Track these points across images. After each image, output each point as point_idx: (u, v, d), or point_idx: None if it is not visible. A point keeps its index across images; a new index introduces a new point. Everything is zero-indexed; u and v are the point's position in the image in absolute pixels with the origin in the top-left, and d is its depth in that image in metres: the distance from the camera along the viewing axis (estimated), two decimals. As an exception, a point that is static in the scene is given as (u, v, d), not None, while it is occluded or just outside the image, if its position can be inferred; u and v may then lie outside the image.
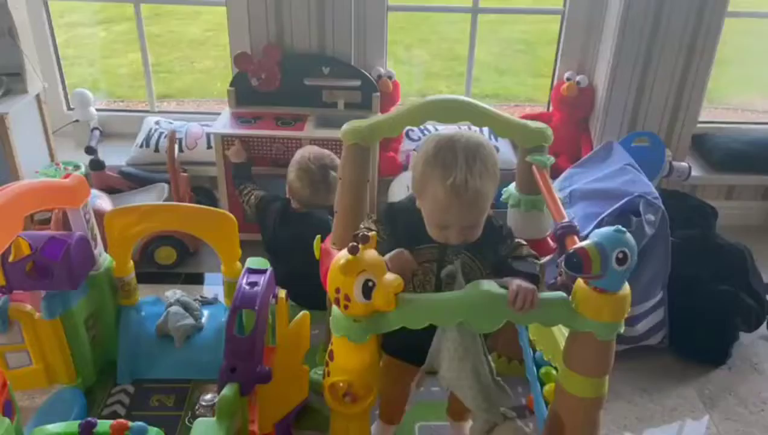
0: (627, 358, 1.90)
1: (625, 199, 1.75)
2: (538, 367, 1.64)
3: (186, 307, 1.85)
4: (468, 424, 1.59)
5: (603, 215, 1.74)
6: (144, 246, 2.18)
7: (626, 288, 1.25)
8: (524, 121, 1.60)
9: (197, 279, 2.30)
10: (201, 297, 2.01)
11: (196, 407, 1.67)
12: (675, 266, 1.85)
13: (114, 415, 1.68)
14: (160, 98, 4.07)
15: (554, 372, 1.67)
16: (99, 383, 1.77)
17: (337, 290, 1.20)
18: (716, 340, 1.90)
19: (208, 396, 1.67)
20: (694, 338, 1.89)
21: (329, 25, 2.29)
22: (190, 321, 1.79)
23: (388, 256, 1.26)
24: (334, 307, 1.27)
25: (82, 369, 1.71)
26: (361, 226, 1.40)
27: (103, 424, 1.25)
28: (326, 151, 1.96)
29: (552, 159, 1.60)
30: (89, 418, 1.25)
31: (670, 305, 1.90)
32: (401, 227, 1.34)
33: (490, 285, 1.23)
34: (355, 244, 1.19)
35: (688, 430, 1.72)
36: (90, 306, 1.70)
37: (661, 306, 1.88)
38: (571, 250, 1.20)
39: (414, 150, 2.47)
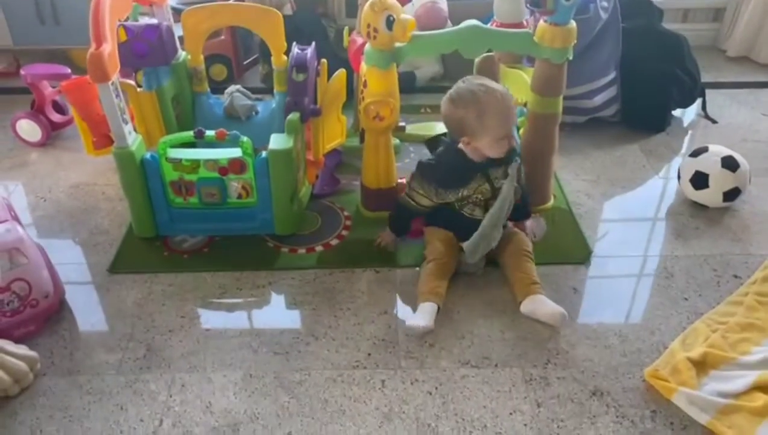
0: (587, 127, 2.45)
1: (585, -8, 2.24)
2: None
3: (244, 95, 2.37)
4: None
5: (567, 5, 2.23)
6: (201, 62, 2.68)
7: (572, 23, 1.75)
8: None
9: (243, 93, 2.82)
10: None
11: (259, 159, 2.22)
12: (623, 50, 2.36)
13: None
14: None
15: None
16: (183, 151, 2.32)
17: (368, 26, 1.72)
18: (657, 110, 2.43)
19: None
20: (639, 109, 2.42)
21: None
22: (250, 102, 2.32)
23: None
24: (367, 46, 1.79)
25: (171, 137, 2.25)
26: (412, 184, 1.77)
27: (209, 132, 1.80)
28: None
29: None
30: (200, 128, 1.80)
31: (621, 85, 2.42)
32: (444, 171, 1.71)
33: (477, 22, 1.75)
34: (380, -10, 1.69)
35: (628, 167, 2.29)
36: (174, 88, 2.21)
37: (614, 84, 2.40)
38: (533, -8, 1.71)
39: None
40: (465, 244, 1.72)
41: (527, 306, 1.65)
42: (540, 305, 1.64)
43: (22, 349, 1.51)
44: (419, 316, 1.61)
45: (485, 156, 1.67)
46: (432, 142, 1.81)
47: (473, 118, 1.62)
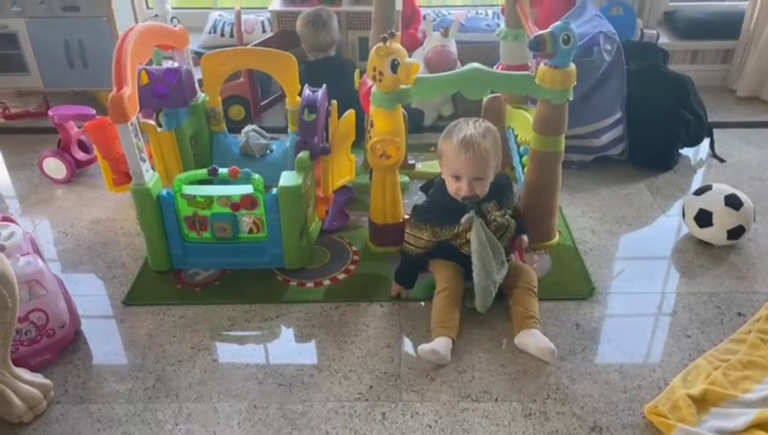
0: (594, 166, 2.49)
1: (589, 36, 2.30)
2: (521, 157, 2.23)
3: (260, 134, 2.46)
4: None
5: (573, 48, 2.29)
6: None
7: (572, 66, 1.81)
8: (508, -30, 2.16)
9: (260, 132, 2.92)
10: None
11: (273, 197, 2.30)
12: (629, 91, 2.41)
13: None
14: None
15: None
16: (200, 188, 2.40)
17: (374, 69, 1.79)
18: (663, 149, 2.46)
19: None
20: (646, 149, 2.46)
21: None
22: (265, 141, 2.40)
23: None
24: (374, 88, 1.87)
25: (188, 175, 2.34)
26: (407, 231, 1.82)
27: (223, 170, 1.88)
28: None
29: (530, -9, 2.17)
30: (214, 166, 1.88)
31: (627, 125, 2.46)
32: (436, 209, 1.78)
33: (479, 65, 1.82)
34: (385, 36, 1.78)
35: (635, 205, 2.30)
36: (192, 128, 2.30)
37: (620, 124, 2.44)
38: (533, 37, 1.78)
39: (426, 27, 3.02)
40: (476, 302, 1.74)
41: (520, 338, 1.68)
42: (531, 339, 1.66)
43: (37, 377, 1.57)
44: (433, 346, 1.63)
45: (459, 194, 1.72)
46: (426, 186, 1.88)
47: (440, 147, 1.77)
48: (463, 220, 1.71)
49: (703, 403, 1.48)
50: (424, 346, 1.63)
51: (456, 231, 1.74)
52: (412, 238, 1.81)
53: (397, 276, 1.89)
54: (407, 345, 1.71)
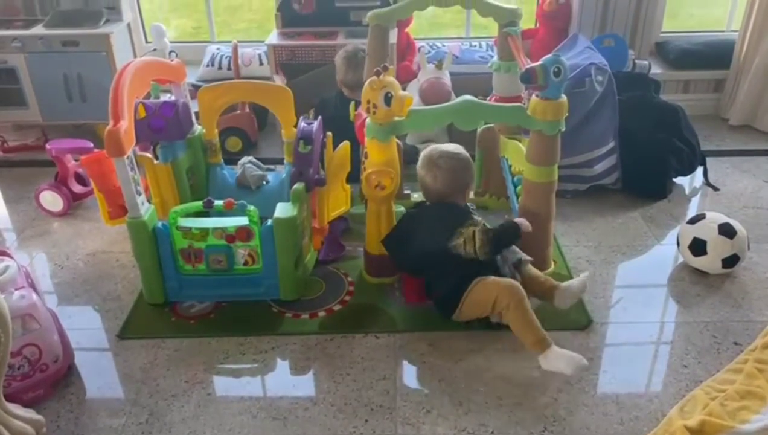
0: (588, 195, 2.50)
1: (581, 68, 2.33)
2: (515, 186, 2.24)
3: (256, 166, 2.48)
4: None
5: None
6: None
7: (563, 98, 1.84)
8: (499, 3, 2.20)
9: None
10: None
11: (269, 228, 2.30)
12: (621, 121, 2.43)
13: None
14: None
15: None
16: (196, 220, 2.41)
17: (368, 102, 1.82)
18: (656, 178, 2.48)
19: (276, 221, 2.30)
20: (639, 178, 2.47)
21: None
22: (261, 172, 2.42)
23: None
24: (368, 120, 1.88)
25: (185, 207, 2.35)
26: None
27: (218, 202, 1.89)
28: None
29: (520, 28, 2.20)
30: (209, 198, 1.89)
31: (621, 154, 2.48)
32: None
33: (471, 97, 1.84)
34: (379, 70, 1.80)
35: (630, 234, 2.31)
36: (189, 160, 2.32)
37: (613, 153, 2.46)
38: (524, 70, 1.80)
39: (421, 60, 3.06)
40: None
41: (561, 299, 1.83)
42: (568, 291, 1.83)
43: (29, 413, 1.55)
44: (564, 362, 1.62)
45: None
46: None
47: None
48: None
49: (700, 434, 1.47)
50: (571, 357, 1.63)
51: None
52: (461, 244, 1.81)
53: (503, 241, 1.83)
54: (403, 377, 1.70)
